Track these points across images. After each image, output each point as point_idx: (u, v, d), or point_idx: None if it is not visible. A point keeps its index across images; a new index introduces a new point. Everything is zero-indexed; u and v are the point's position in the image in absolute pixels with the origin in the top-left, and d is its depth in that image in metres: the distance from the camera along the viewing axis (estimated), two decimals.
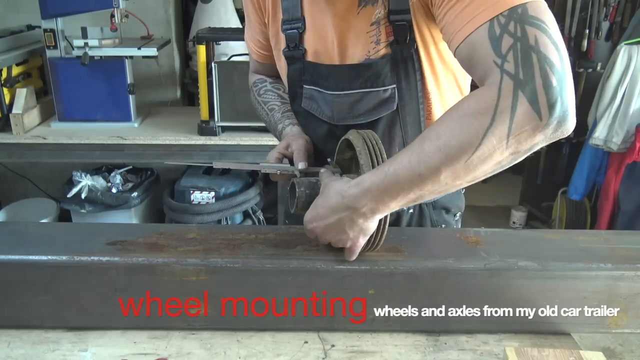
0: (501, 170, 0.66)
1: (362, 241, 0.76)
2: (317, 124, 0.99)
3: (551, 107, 0.60)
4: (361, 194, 0.70)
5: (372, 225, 0.74)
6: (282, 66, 1.00)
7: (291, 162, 0.92)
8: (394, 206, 0.71)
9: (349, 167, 0.89)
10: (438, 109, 0.92)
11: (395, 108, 0.89)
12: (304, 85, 0.97)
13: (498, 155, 0.63)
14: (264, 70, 1.13)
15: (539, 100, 0.60)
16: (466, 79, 0.95)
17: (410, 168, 0.66)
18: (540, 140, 0.62)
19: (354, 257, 0.79)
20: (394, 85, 0.88)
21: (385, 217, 0.75)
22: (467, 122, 0.62)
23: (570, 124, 0.62)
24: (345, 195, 0.72)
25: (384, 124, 0.92)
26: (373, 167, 0.77)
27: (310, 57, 0.94)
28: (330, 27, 0.88)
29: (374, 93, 0.89)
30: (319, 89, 0.95)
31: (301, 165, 0.89)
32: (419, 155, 0.65)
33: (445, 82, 0.91)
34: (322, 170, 0.86)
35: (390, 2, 0.82)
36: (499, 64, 0.62)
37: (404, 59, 0.85)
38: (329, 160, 0.91)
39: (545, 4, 0.65)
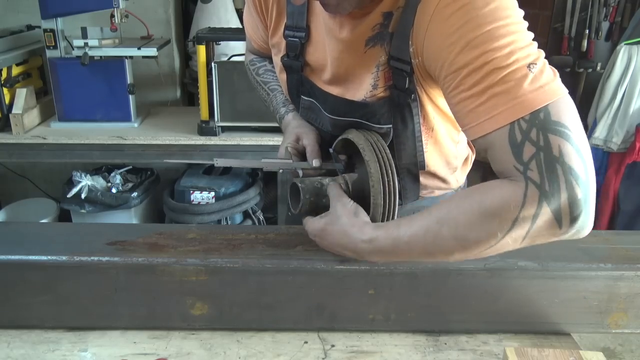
0: None
1: None
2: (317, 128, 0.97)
3: (574, 219, 0.61)
4: (371, 250, 0.73)
5: None
6: (280, 73, 0.97)
7: (303, 157, 0.91)
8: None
9: (344, 167, 0.89)
10: (432, 147, 0.90)
11: (389, 143, 0.87)
12: (302, 96, 0.94)
13: (509, 249, 0.65)
14: (261, 55, 1.11)
15: (562, 212, 0.60)
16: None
17: (424, 245, 0.68)
18: (554, 240, 0.64)
19: None
20: (390, 126, 0.85)
21: (393, 214, 0.77)
22: (487, 221, 0.63)
23: (587, 230, 0.63)
24: (356, 246, 0.74)
25: None
26: (379, 162, 0.78)
27: (308, 73, 0.91)
28: (333, 52, 0.84)
29: (370, 126, 0.87)
30: (317, 104, 0.93)
31: (315, 162, 0.87)
32: (435, 237, 0.67)
33: (442, 127, 0.89)
34: (329, 182, 0.84)
35: (392, 48, 0.78)
36: (521, 170, 0.62)
37: (401, 104, 0.82)
38: (331, 151, 0.89)
39: (568, 98, 0.63)
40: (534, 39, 0.66)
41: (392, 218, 0.77)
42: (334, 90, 0.88)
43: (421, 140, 0.87)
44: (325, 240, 0.78)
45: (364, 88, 0.84)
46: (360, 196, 0.81)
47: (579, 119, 0.63)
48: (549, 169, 0.60)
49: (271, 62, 1.08)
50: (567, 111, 0.62)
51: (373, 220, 0.77)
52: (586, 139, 0.62)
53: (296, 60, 0.90)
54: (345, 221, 0.76)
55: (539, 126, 0.61)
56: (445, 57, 0.67)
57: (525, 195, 0.61)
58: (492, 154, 0.66)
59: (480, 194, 0.65)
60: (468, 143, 1.04)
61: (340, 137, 0.88)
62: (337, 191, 0.81)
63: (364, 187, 0.82)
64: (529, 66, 0.62)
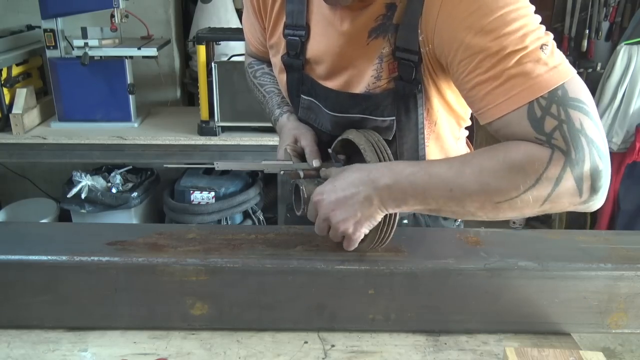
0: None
1: (364, 231, 0.76)
2: (315, 132, 0.96)
3: (594, 191, 0.63)
4: (389, 176, 0.71)
5: (379, 216, 0.74)
6: (279, 73, 0.97)
7: (302, 158, 0.91)
8: (410, 206, 0.72)
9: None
10: (434, 142, 0.90)
11: (391, 138, 0.87)
12: (302, 95, 0.94)
13: (527, 210, 0.66)
14: (261, 58, 1.12)
15: (584, 182, 0.62)
16: (465, 121, 0.94)
17: (445, 180, 0.68)
18: (570, 209, 0.66)
19: (353, 248, 0.79)
20: (393, 118, 0.85)
21: (395, 213, 0.75)
22: (512, 172, 0.64)
23: (600, 204, 0.65)
24: (372, 170, 0.72)
25: None
26: (380, 162, 0.78)
27: (309, 71, 0.91)
28: (335, 46, 0.85)
29: (372, 120, 0.87)
30: (317, 103, 0.92)
31: (315, 163, 0.87)
32: (457, 174, 0.67)
33: (445, 121, 0.89)
34: (332, 168, 0.84)
35: (397, 39, 0.78)
36: (544, 140, 0.63)
37: (406, 95, 0.82)
38: (330, 151, 0.89)
39: (579, 78, 0.66)
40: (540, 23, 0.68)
41: (394, 216, 0.77)
42: (335, 85, 0.88)
43: (423, 133, 0.87)
44: (334, 191, 0.74)
45: (365, 80, 0.84)
46: None
47: (591, 95, 0.66)
48: (574, 139, 0.62)
49: (269, 65, 1.08)
50: (582, 89, 0.65)
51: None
52: (599, 117, 0.65)
53: (297, 59, 0.90)
54: (353, 167, 0.75)
55: (559, 102, 0.63)
56: (460, 43, 0.69)
57: (551, 157, 0.62)
58: (508, 131, 0.67)
59: (506, 148, 0.66)
60: (467, 143, 1.04)
61: (339, 138, 0.88)
62: (337, 168, 0.81)
63: None
64: (541, 47, 0.65)
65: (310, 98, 0.93)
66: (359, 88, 0.85)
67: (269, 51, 0.99)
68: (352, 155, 0.87)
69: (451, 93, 0.84)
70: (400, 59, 0.80)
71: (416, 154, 0.89)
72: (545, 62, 0.64)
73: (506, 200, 0.65)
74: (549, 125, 0.63)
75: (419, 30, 0.75)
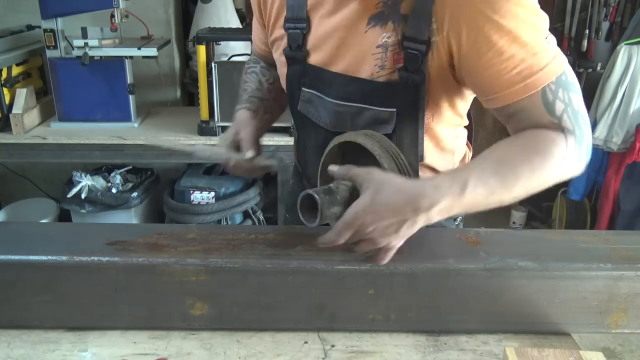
0: None
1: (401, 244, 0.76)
2: (312, 129, 0.96)
3: (586, 159, 0.78)
4: (441, 198, 0.69)
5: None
6: (281, 67, 0.98)
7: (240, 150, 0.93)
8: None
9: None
10: (429, 140, 0.90)
11: (390, 132, 0.86)
12: (303, 88, 0.94)
13: (551, 183, 0.76)
14: (263, 59, 1.14)
15: (584, 154, 0.77)
16: (463, 119, 0.94)
17: (488, 195, 0.72)
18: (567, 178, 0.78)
19: (387, 260, 0.76)
20: (394, 110, 0.85)
21: None
22: (540, 168, 0.73)
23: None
24: (419, 194, 0.68)
25: None
26: (399, 170, 0.76)
27: (313, 61, 0.91)
28: (336, 34, 0.85)
29: (373, 111, 0.86)
30: (319, 94, 0.92)
31: (249, 153, 0.90)
32: (502, 187, 0.73)
33: (444, 118, 0.89)
34: (358, 176, 0.74)
35: (408, 29, 0.78)
36: (556, 123, 0.75)
37: (408, 87, 0.82)
38: (335, 168, 0.83)
39: (568, 65, 0.77)
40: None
41: None
42: (337, 69, 0.88)
43: (423, 129, 0.88)
44: (378, 212, 0.69)
45: (366, 68, 0.84)
46: None
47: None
48: (576, 120, 0.75)
49: (264, 66, 1.10)
50: (572, 72, 0.77)
51: None
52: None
53: (299, 51, 0.91)
54: (392, 178, 0.71)
55: (563, 86, 0.75)
56: (479, 28, 0.73)
57: (566, 138, 0.74)
58: (524, 114, 0.76)
59: (533, 141, 0.75)
60: (466, 143, 1.04)
61: (335, 141, 0.85)
62: (363, 169, 0.74)
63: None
64: (546, 37, 0.74)
65: (311, 90, 0.93)
66: (362, 73, 0.85)
67: (272, 48, 1.00)
68: (347, 160, 0.83)
69: (454, 87, 0.84)
70: (407, 49, 0.80)
71: (415, 149, 0.89)
72: (550, 50, 0.74)
73: (536, 188, 0.74)
74: (559, 108, 0.74)
75: (433, 19, 0.76)
